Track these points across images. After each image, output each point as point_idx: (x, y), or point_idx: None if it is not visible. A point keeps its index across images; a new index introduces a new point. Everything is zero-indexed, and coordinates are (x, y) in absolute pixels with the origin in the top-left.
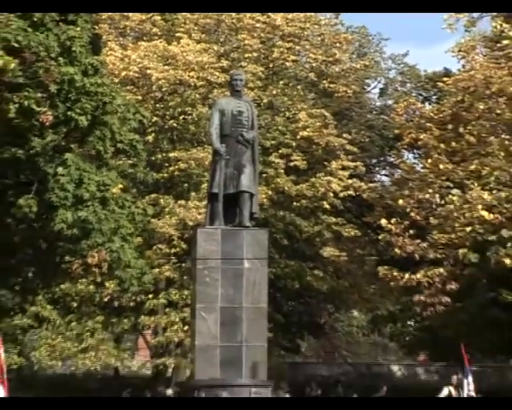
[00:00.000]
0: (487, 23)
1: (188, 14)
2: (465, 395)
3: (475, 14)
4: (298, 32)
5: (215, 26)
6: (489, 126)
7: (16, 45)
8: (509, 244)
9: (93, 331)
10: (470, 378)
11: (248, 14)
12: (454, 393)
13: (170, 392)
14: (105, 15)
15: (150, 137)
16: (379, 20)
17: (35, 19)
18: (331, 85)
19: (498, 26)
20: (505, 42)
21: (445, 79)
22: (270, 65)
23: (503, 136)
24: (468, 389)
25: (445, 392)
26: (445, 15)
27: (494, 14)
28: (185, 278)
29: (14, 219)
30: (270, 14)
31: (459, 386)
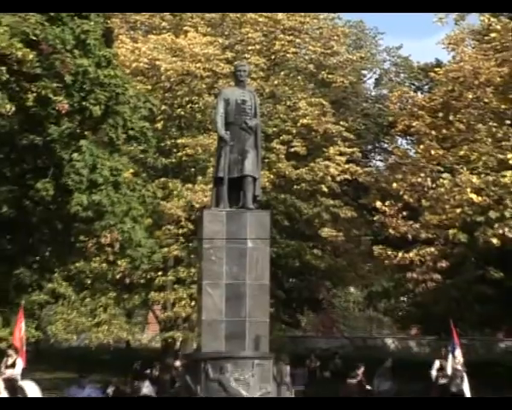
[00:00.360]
0: (476, 17)
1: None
2: (449, 369)
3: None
4: (298, 26)
5: (220, 20)
6: (477, 114)
7: (34, 38)
8: (496, 225)
9: (106, 307)
10: (457, 352)
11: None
12: (444, 365)
13: (178, 364)
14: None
15: (159, 125)
16: (375, 15)
17: (52, 14)
18: (329, 76)
19: (486, 20)
20: (492, 35)
21: (436, 69)
22: (272, 57)
23: (490, 123)
24: (455, 362)
25: (436, 365)
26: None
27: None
28: (192, 256)
29: (32, 202)
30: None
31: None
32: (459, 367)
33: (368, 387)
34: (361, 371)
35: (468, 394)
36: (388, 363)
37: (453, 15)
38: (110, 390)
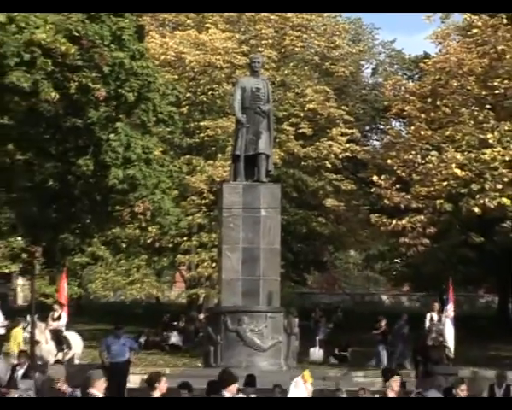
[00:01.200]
0: (459, 15)
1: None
2: (443, 318)
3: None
4: (305, 23)
5: (237, 18)
6: (461, 100)
7: (76, 34)
8: (477, 196)
9: (138, 267)
10: (450, 306)
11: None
12: (436, 318)
13: (201, 316)
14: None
15: (184, 109)
16: (372, 13)
17: (91, 14)
18: (332, 67)
19: (468, 18)
20: (474, 30)
21: (425, 61)
22: (282, 50)
23: (472, 107)
24: (447, 314)
25: (428, 317)
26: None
27: None
28: (213, 223)
29: (74, 176)
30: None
31: (440, 312)
32: (451, 315)
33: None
34: (383, 322)
35: (451, 344)
36: (403, 319)
37: (439, 14)
38: (142, 339)
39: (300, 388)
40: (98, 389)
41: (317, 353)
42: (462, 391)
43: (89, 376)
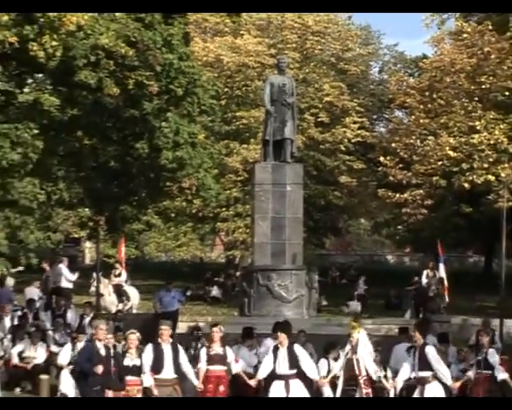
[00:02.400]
0: (452, 22)
1: (247, 17)
2: (442, 274)
3: (445, 16)
4: (323, 30)
5: (266, 25)
6: (453, 93)
7: (133, 39)
8: (467, 173)
9: (185, 233)
10: (440, 266)
11: (290, 17)
12: (431, 274)
13: (237, 274)
14: (192, 18)
15: (223, 102)
16: (378, 20)
17: (146, 21)
18: (345, 66)
19: (459, 25)
20: (464, 35)
21: (423, 60)
22: (304, 52)
23: (462, 100)
24: (442, 273)
25: (424, 274)
26: (423, 16)
27: (457, 15)
28: (247, 197)
29: (132, 158)
30: (303, 17)
31: (434, 269)
32: (444, 275)
33: None
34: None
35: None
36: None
37: (436, 21)
38: (189, 293)
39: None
40: (164, 338)
41: (355, 305)
42: None
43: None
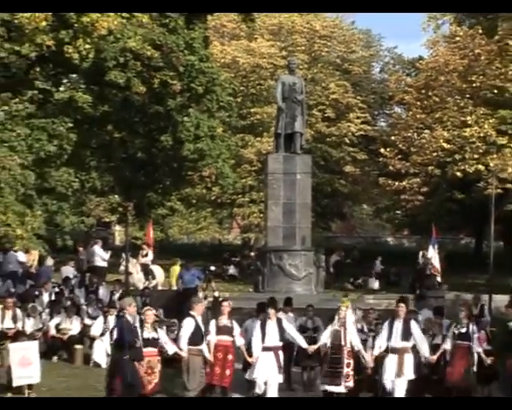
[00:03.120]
0: (447, 27)
1: (261, 23)
2: (430, 256)
3: (440, 21)
4: (329, 34)
5: (278, 30)
6: (447, 91)
7: (158, 43)
8: (459, 163)
9: (205, 217)
10: (435, 247)
11: (299, 22)
12: (426, 254)
13: (252, 254)
14: (211, 24)
15: (239, 99)
16: (379, 25)
17: (170, 26)
18: (349, 67)
19: (453, 29)
20: (457, 38)
21: (420, 61)
22: (312, 54)
23: (455, 97)
24: (433, 255)
25: (420, 254)
26: (420, 21)
27: (451, 20)
28: (261, 185)
29: (157, 149)
30: (311, 22)
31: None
32: (436, 256)
33: None
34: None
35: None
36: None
37: (432, 25)
38: (209, 271)
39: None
40: (197, 312)
41: (373, 282)
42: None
43: (192, 301)
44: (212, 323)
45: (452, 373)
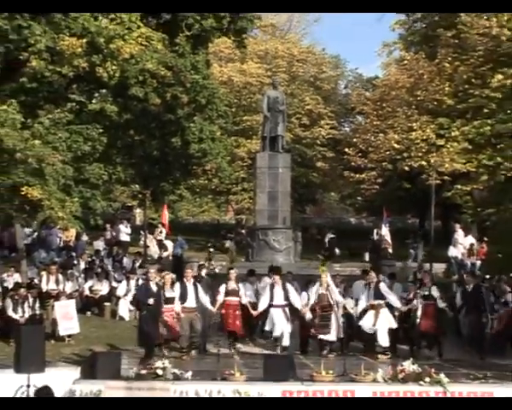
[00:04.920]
0: (397, 52)
1: (251, 49)
2: (383, 232)
3: (392, 48)
4: (304, 57)
5: (264, 55)
6: (397, 103)
7: (170, 65)
8: (407, 160)
9: (206, 202)
10: (387, 225)
11: (280, 49)
12: (380, 231)
13: (243, 231)
14: (211, 50)
15: (233, 109)
16: (345, 50)
17: (179, 52)
18: (321, 84)
19: (402, 54)
20: (405, 61)
21: (376, 80)
22: (291, 74)
23: (404, 108)
24: (385, 232)
25: (375, 231)
26: (376, 48)
27: (401, 48)
28: (250, 177)
29: (169, 149)
30: (291, 48)
31: (380, 228)
32: (388, 234)
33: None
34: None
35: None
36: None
37: (385, 51)
38: (209, 245)
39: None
40: (187, 276)
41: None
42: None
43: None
44: (222, 287)
45: (424, 324)
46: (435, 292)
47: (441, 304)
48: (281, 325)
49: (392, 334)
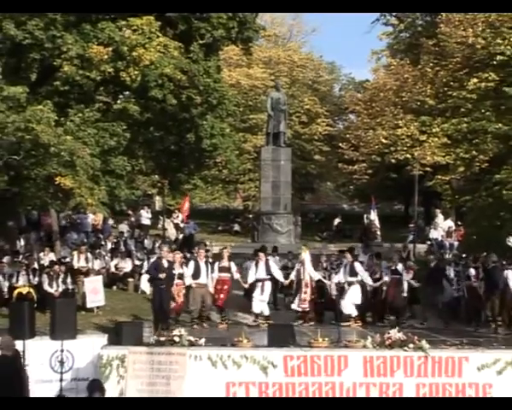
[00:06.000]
0: (384, 59)
1: (256, 56)
2: (372, 217)
3: (380, 55)
4: (304, 63)
5: (268, 61)
6: (385, 103)
7: (185, 69)
8: (393, 153)
9: (217, 191)
10: (375, 211)
11: (282, 56)
12: (369, 216)
13: (250, 216)
14: (222, 57)
15: (241, 109)
16: (339, 57)
17: (193, 58)
18: (318, 86)
19: (389, 60)
20: (392, 67)
21: (366, 83)
22: (292, 78)
23: (391, 107)
24: (374, 217)
25: (365, 216)
26: (366, 55)
27: (388, 55)
28: (256, 168)
29: (185, 143)
30: (292, 55)
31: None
32: (376, 218)
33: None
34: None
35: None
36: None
37: (374, 58)
38: (220, 228)
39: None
40: (199, 256)
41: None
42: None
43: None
44: (216, 265)
45: (390, 296)
46: (400, 267)
47: (406, 278)
48: (260, 296)
49: (360, 306)
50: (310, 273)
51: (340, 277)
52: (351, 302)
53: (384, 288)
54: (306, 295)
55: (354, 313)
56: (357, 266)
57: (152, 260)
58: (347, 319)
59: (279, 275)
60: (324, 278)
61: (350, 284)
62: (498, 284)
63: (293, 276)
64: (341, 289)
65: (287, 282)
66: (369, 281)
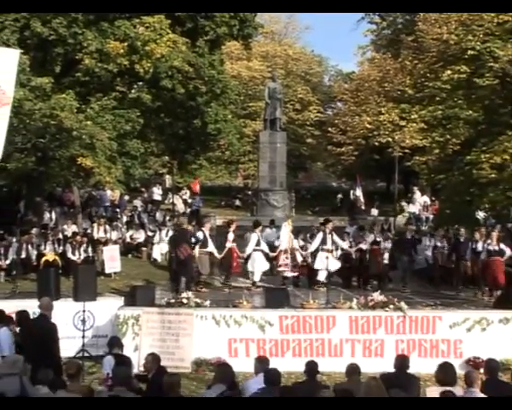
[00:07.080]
0: (369, 53)
1: (255, 50)
2: (357, 194)
3: (365, 50)
4: (298, 57)
5: (266, 55)
6: (369, 92)
7: (192, 62)
8: (377, 137)
9: (221, 170)
10: (360, 188)
11: (278, 50)
12: (355, 192)
13: (249, 192)
14: (224, 51)
15: (242, 97)
16: (329, 50)
17: (199, 52)
18: (310, 77)
19: (373, 54)
20: (375, 60)
21: (353, 74)
22: (287, 70)
23: (374, 96)
24: (359, 193)
25: (351, 192)
26: (352, 49)
27: (372, 50)
28: (255, 150)
29: (192, 128)
30: (288, 50)
31: (355, 189)
32: (361, 194)
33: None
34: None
35: (363, 205)
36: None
37: (360, 51)
38: (223, 203)
39: (285, 227)
40: (206, 227)
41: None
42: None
43: (204, 220)
44: (230, 235)
45: (373, 265)
46: (379, 238)
47: (386, 245)
48: (256, 265)
49: (342, 272)
50: (293, 245)
51: (314, 245)
52: (322, 269)
53: (367, 256)
54: (285, 262)
55: (323, 278)
56: (334, 235)
57: (164, 232)
58: (318, 283)
59: (266, 248)
60: (302, 247)
61: (325, 250)
62: (466, 254)
63: (283, 246)
64: (314, 258)
65: (273, 254)
66: (345, 246)
